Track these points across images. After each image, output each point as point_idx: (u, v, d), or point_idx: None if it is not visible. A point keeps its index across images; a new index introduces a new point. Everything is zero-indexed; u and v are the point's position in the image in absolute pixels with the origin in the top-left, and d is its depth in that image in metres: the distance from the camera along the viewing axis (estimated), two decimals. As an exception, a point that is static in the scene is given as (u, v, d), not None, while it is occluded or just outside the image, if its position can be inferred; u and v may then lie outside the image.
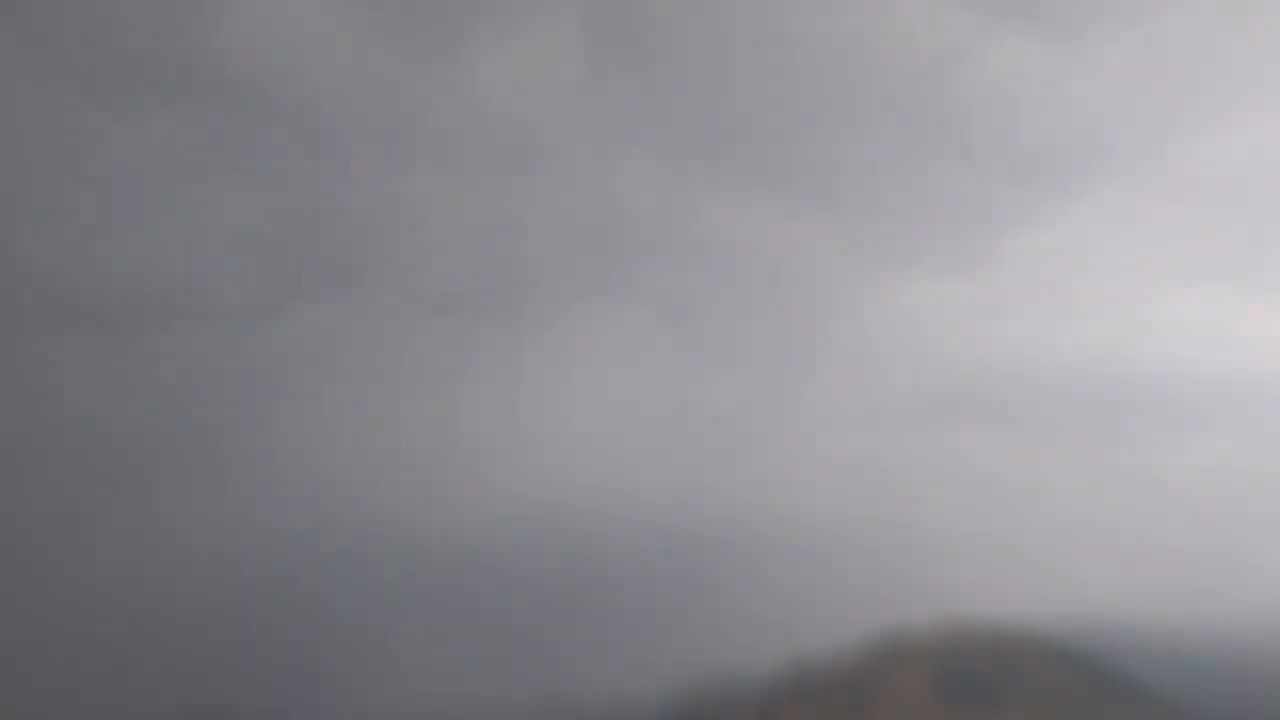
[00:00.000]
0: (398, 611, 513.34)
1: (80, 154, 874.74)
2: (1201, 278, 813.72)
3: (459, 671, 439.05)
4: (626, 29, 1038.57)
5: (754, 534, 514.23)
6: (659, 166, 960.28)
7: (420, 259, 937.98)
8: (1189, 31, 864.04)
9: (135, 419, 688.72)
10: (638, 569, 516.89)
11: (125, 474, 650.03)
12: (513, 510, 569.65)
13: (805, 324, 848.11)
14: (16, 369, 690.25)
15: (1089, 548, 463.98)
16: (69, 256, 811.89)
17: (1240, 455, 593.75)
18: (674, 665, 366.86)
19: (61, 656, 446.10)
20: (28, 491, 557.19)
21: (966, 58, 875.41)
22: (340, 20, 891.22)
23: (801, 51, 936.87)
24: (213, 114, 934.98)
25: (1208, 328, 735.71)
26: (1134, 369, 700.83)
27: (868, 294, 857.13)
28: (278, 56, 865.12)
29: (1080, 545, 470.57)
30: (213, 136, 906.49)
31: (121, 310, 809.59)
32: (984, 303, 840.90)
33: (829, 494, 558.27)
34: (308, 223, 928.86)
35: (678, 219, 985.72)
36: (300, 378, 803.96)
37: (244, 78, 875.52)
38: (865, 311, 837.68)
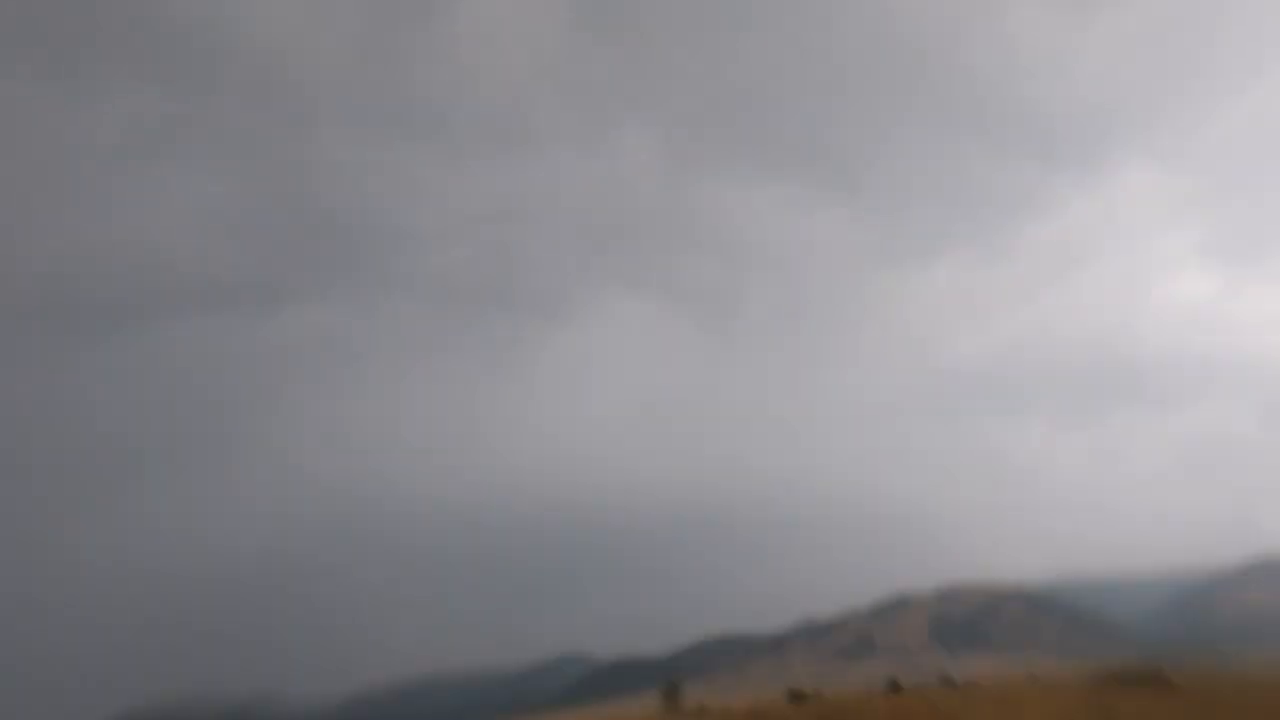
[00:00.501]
0: (399, 590, 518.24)
1: (41, 135, 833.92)
2: (1203, 259, 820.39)
3: (462, 643, 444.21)
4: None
5: (774, 509, 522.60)
6: (660, 143, 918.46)
7: (416, 244, 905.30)
8: (1191, 7, 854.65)
9: (134, 412, 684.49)
10: (656, 538, 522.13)
11: (126, 467, 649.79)
12: (526, 483, 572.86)
13: (824, 315, 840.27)
14: (14, 362, 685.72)
15: (1074, 513, 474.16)
16: (48, 245, 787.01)
17: (1222, 427, 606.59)
18: (690, 620, 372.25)
19: (65, 638, 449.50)
20: (33, 485, 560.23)
21: (978, 27, 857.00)
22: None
23: (808, 21, 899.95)
24: (176, 90, 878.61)
25: (1205, 309, 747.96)
26: (1134, 351, 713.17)
27: (887, 285, 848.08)
28: (242, 24, 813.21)
29: (1067, 511, 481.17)
30: (178, 114, 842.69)
31: (114, 301, 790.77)
32: (1000, 292, 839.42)
33: (847, 475, 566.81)
34: (289, 208, 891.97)
35: (682, 201, 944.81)
36: (304, 368, 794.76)
37: (207, 48, 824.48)
38: (885, 303, 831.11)
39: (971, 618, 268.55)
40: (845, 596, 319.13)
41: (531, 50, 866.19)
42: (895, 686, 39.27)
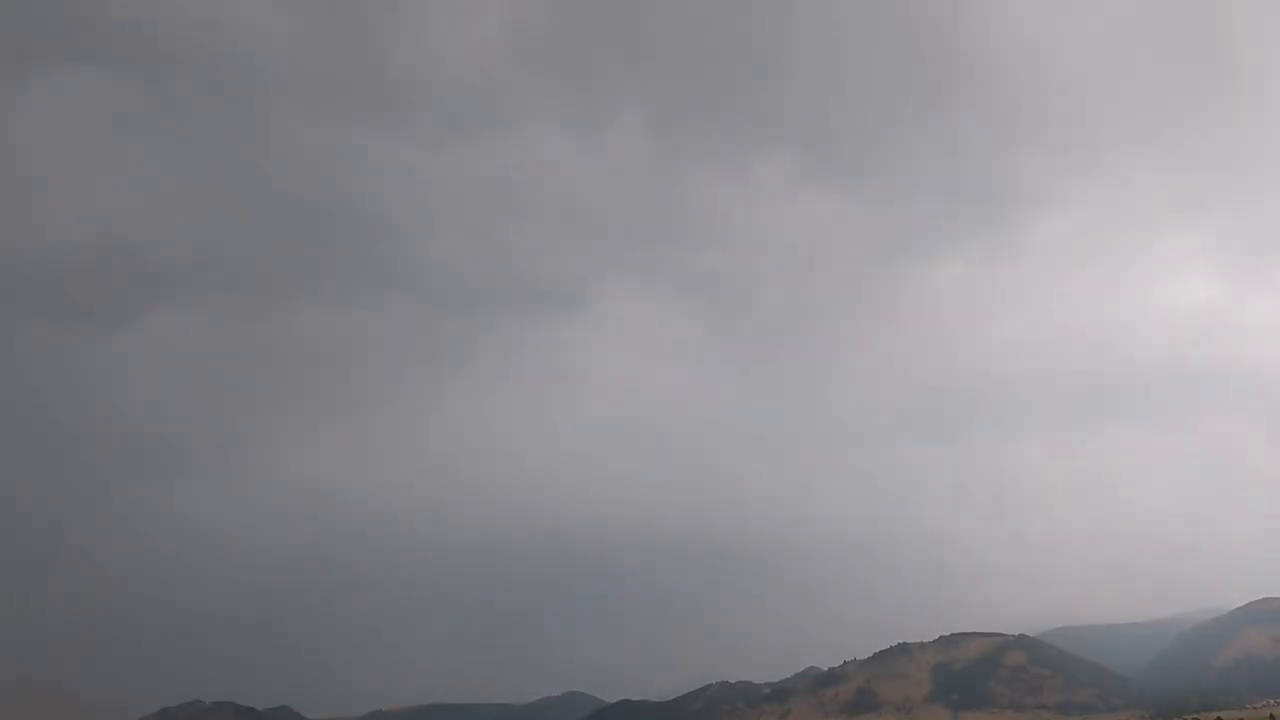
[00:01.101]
0: (400, 605, 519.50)
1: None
2: (1208, 262, 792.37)
3: (475, 674, 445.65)
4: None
5: (779, 545, 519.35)
6: (650, 131, 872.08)
7: (401, 234, 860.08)
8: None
9: (115, 414, 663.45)
10: (652, 574, 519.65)
11: (124, 471, 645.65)
12: (518, 511, 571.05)
13: (824, 316, 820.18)
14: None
15: (1074, 552, 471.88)
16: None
17: (1225, 444, 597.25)
18: (689, 666, 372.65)
19: (63, 654, 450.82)
20: (18, 492, 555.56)
21: (982, 14, 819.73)
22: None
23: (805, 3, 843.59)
24: (131, 77, 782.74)
25: (1209, 316, 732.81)
26: (1135, 360, 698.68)
27: (889, 283, 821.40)
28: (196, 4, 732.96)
29: (1066, 551, 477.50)
30: (135, 102, 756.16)
31: (84, 296, 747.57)
32: (1001, 294, 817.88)
33: (847, 509, 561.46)
34: (263, 199, 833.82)
35: (673, 192, 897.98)
36: (299, 367, 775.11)
37: (162, 32, 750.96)
38: (886, 303, 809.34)
39: (972, 667, 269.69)
40: (847, 643, 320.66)
41: (510, 27, 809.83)
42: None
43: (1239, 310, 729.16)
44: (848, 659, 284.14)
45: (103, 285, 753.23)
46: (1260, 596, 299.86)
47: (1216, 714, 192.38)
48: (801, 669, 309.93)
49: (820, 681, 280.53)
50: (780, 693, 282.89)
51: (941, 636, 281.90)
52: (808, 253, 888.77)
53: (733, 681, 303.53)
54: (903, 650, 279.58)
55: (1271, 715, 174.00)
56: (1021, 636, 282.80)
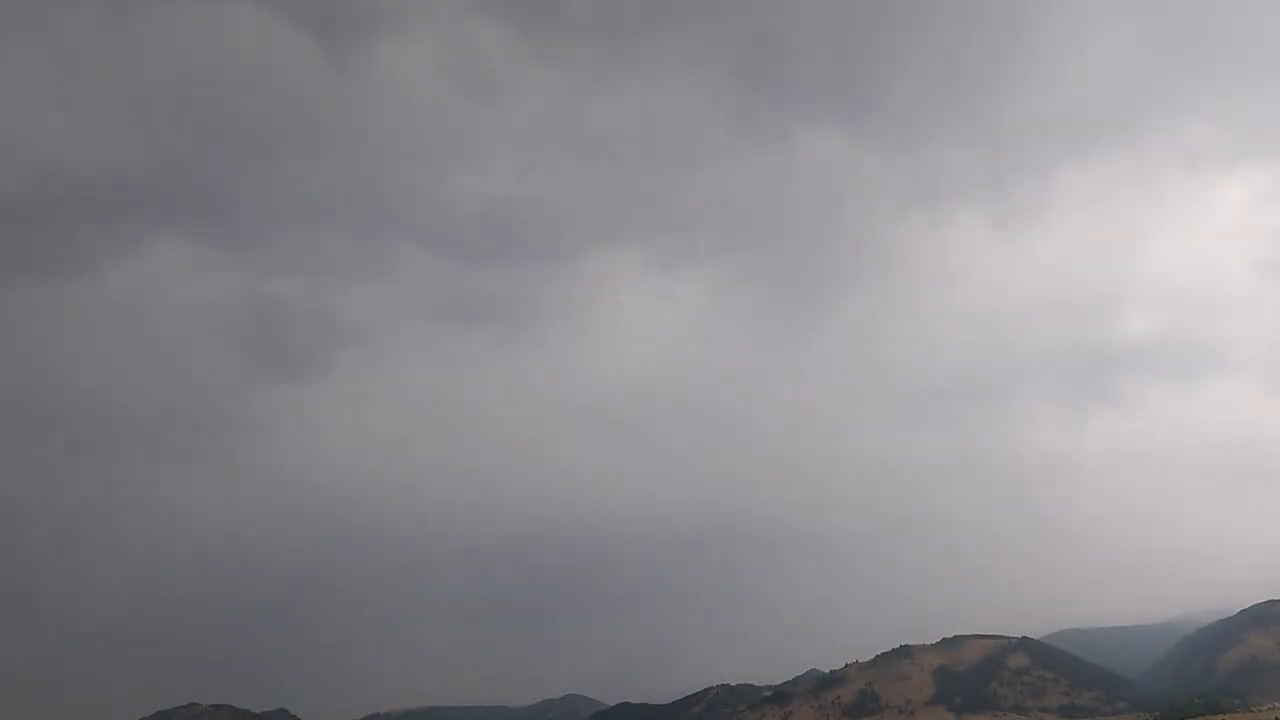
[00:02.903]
0: (398, 607, 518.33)
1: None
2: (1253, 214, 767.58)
3: (475, 677, 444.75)
4: None
5: (771, 547, 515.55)
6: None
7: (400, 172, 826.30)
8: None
9: (79, 388, 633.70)
10: (652, 575, 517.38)
11: (127, 456, 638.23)
12: (526, 505, 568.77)
13: (820, 298, 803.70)
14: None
15: (1080, 553, 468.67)
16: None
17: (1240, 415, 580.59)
18: (689, 668, 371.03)
19: (68, 650, 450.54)
20: (18, 478, 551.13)
21: None
22: None
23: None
24: None
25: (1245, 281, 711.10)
26: (1152, 330, 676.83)
27: (895, 238, 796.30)
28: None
29: (1073, 550, 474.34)
30: None
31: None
32: (1013, 256, 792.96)
33: (846, 507, 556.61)
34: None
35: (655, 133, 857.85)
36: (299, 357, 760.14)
37: None
38: (892, 264, 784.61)
39: (974, 669, 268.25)
40: (848, 645, 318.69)
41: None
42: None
43: (1262, 288, 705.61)
44: (849, 661, 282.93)
45: (41, 230, 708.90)
46: (1267, 598, 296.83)
47: (1221, 717, 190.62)
48: (803, 671, 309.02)
49: (821, 684, 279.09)
50: (781, 695, 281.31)
51: (944, 638, 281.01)
52: (810, 210, 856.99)
53: (733, 684, 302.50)
54: (905, 652, 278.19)
55: (1277, 718, 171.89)
56: (1024, 639, 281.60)
